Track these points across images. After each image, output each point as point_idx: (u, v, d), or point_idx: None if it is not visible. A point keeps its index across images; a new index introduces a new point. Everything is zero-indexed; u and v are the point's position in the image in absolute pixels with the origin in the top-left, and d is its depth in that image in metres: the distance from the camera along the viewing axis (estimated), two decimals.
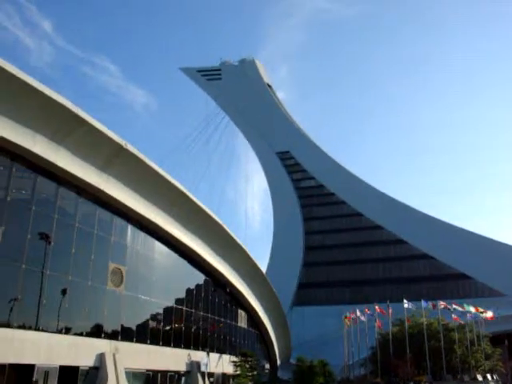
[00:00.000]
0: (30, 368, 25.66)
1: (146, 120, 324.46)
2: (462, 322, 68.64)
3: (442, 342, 62.86)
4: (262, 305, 63.65)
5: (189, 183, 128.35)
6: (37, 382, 25.47)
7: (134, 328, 36.52)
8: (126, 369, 32.68)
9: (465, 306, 68.22)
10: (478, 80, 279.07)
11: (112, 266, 34.04)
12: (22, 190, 28.28)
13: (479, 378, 61.82)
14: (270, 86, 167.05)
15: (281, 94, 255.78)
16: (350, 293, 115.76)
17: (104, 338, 32.38)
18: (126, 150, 32.31)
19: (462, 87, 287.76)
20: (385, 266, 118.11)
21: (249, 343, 63.30)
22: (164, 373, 39.23)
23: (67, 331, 29.15)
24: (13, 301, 25.22)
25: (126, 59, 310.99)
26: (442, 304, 67.14)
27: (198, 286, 49.18)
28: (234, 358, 52.44)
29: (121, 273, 34.72)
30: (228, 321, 56.46)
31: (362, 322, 69.80)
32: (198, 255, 45.75)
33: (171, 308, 42.75)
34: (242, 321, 61.71)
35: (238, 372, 50.20)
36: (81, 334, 30.46)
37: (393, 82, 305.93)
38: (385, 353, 65.03)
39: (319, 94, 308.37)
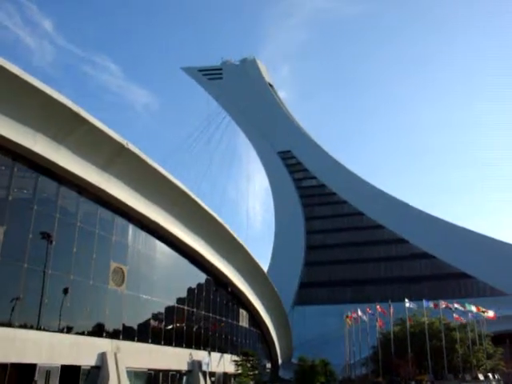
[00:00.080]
0: (31, 367, 25.70)
1: (147, 120, 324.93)
2: (464, 321, 68.54)
3: (444, 341, 62.81)
4: (263, 304, 63.67)
5: (190, 183, 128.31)
6: (36, 382, 25.43)
7: (135, 327, 36.56)
8: (127, 368, 32.70)
9: (466, 305, 68.17)
10: (479, 80, 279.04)
11: (113, 265, 34.09)
12: (24, 189, 28.33)
13: (481, 377, 61.71)
14: (271, 85, 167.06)
15: (282, 94, 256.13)
16: (351, 292, 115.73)
17: (105, 337, 32.42)
18: (128, 150, 32.34)
19: (463, 87, 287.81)
20: (386, 265, 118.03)
21: (250, 343, 63.32)
22: (165, 372, 39.27)
23: (69, 330, 29.18)
24: (15, 300, 25.26)
25: (127, 59, 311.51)
26: (443, 303, 67.09)
27: (199, 285, 49.21)
28: (235, 358, 52.47)
29: (122, 272, 34.75)
30: (229, 320, 56.47)
31: (364, 322, 69.81)
32: (200, 255, 45.77)
33: (173, 307, 42.78)
34: (244, 320, 61.72)
35: (240, 371, 50.20)
36: (82, 334, 30.49)
37: (394, 82, 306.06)
38: (386, 352, 65.01)
39: (320, 93, 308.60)
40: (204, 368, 45.16)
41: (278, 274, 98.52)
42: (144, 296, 37.65)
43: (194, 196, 41.91)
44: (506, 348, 75.62)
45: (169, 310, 42.01)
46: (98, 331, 32.06)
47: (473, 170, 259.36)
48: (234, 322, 58.37)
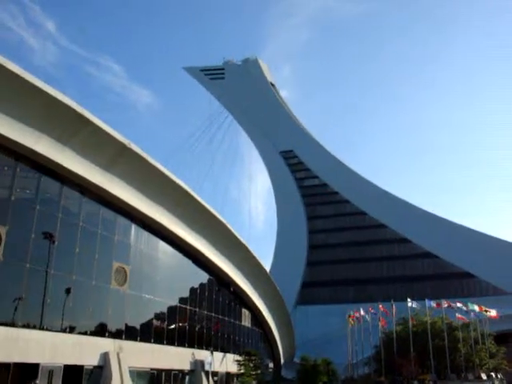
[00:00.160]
0: (34, 367, 25.75)
1: (149, 120, 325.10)
2: (467, 320, 68.44)
3: (446, 340, 62.70)
4: (265, 304, 63.65)
5: (192, 183, 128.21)
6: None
7: (138, 327, 36.60)
8: (130, 368, 32.74)
9: (469, 304, 68.03)
10: (481, 80, 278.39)
11: (116, 265, 34.13)
12: (26, 189, 28.39)
13: (483, 376, 61.59)
14: (273, 84, 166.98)
15: (284, 93, 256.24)
16: (353, 291, 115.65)
17: (108, 337, 32.46)
18: (130, 150, 32.37)
19: (465, 87, 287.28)
20: (388, 264, 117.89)
21: (253, 342, 63.34)
22: (168, 372, 39.30)
23: (71, 330, 29.24)
24: (17, 300, 25.32)
25: (129, 59, 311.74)
26: (445, 303, 67.00)
27: (201, 285, 49.23)
28: (237, 357, 52.50)
29: (125, 272, 34.78)
30: (232, 320, 56.47)
31: (366, 321, 69.79)
32: (202, 254, 45.79)
33: (175, 307, 42.82)
34: (246, 320, 61.74)
35: (242, 371, 50.25)
36: (85, 333, 30.55)
37: (396, 82, 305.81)
38: (389, 352, 64.93)
39: (323, 92, 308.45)
40: (206, 368, 45.16)
41: (280, 273, 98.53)
42: (146, 296, 37.68)
43: (196, 196, 41.92)
44: (508, 347, 75.37)
45: (171, 309, 42.04)
46: (101, 331, 32.11)
47: (477, 169, 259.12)
48: (237, 322, 58.38)
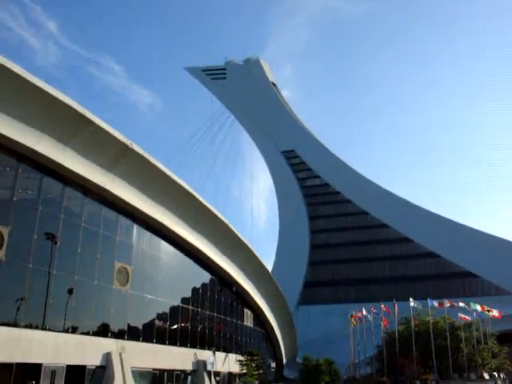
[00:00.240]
0: (37, 367, 25.80)
1: (150, 120, 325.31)
2: (469, 319, 68.34)
3: (449, 340, 62.59)
4: (267, 304, 63.68)
5: (194, 183, 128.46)
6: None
7: (140, 327, 36.63)
8: (132, 368, 32.79)
9: (471, 304, 67.96)
10: (482, 80, 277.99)
11: (118, 265, 34.16)
12: (29, 190, 28.44)
13: (486, 376, 61.47)
14: (274, 84, 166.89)
15: (285, 93, 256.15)
16: (355, 291, 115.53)
17: (110, 337, 32.50)
18: (132, 150, 32.40)
19: (466, 87, 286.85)
20: (390, 264, 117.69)
21: (255, 342, 63.35)
22: (170, 372, 39.35)
23: (74, 330, 29.29)
24: (20, 300, 25.37)
25: (130, 59, 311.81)
26: (448, 302, 66.90)
27: (203, 285, 49.26)
28: (240, 357, 52.52)
29: (127, 272, 34.82)
30: (234, 320, 56.49)
31: (368, 321, 69.73)
32: (204, 254, 45.83)
33: (177, 307, 42.85)
34: (248, 320, 61.75)
35: (244, 371, 50.28)
36: (87, 334, 30.58)
37: (397, 81, 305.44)
38: (391, 351, 64.89)
39: (324, 92, 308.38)
40: (209, 368, 45.24)
41: (282, 273, 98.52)
42: (149, 296, 37.71)
43: (198, 196, 41.94)
44: (511, 347, 75.17)
45: (173, 309, 42.06)
46: (103, 331, 32.15)
47: (481, 168, 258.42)
48: (239, 322, 58.40)
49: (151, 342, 37.37)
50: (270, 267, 75.28)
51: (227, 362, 51.41)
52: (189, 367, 42.91)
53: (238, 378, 52.62)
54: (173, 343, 40.70)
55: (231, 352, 53.55)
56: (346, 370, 70.50)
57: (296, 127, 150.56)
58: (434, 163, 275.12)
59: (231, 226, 48.67)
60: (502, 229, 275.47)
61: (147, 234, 38.58)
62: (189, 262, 45.44)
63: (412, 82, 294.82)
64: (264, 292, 61.25)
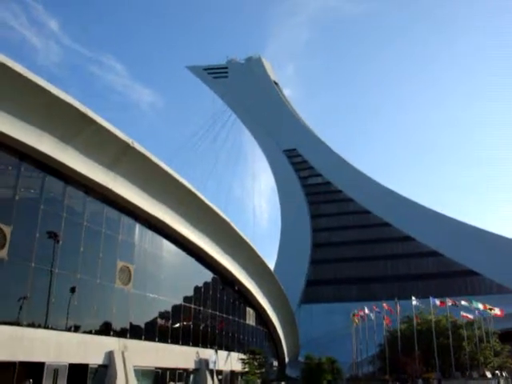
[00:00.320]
0: (39, 366, 25.83)
1: (152, 119, 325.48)
2: (471, 317, 68.23)
3: (451, 339, 62.51)
4: (270, 302, 63.68)
5: (196, 181, 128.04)
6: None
7: (142, 326, 36.66)
8: (134, 367, 32.81)
9: (473, 302, 67.86)
10: (482, 80, 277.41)
11: (120, 264, 34.18)
12: (31, 189, 28.46)
13: (488, 375, 61.35)
14: (276, 83, 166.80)
15: (287, 92, 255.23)
16: (357, 290, 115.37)
17: (113, 335, 32.53)
18: (133, 149, 32.40)
19: (467, 86, 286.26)
20: (392, 263, 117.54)
21: (257, 341, 63.37)
22: (173, 370, 39.36)
23: (76, 329, 29.33)
24: (22, 299, 25.39)
25: (131, 58, 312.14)
26: (450, 301, 66.81)
27: (206, 283, 49.27)
28: (242, 356, 52.53)
29: (129, 271, 34.84)
30: (236, 318, 56.51)
31: (370, 320, 69.65)
32: (206, 253, 45.83)
33: (179, 306, 42.87)
34: (251, 318, 61.76)
35: (247, 369, 50.31)
36: (90, 332, 30.62)
37: (398, 81, 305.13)
38: (393, 350, 64.83)
39: (325, 91, 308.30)
40: (211, 366, 45.26)
41: (284, 271, 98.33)
42: (151, 295, 37.73)
43: (200, 194, 41.94)
44: None
45: (176, 308, 42.10)
46: (106, 330, 32.18)
47: (483, 167, 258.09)
48: (241, 321, 58.41)
49: (153, 340, 37.40)
50: (272, 266, 75.33)
51: (229, 361, 51.44)
52: (191, 366, 42.95)
53: (240, 377, 52.64)
54: (175, 342, 40.72)
55: (233, 351, 53.57)
56: (348, 368, 70.49)
57: (298, 126, 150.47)
58: (434, 162, 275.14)
59: (233, 224, 48.65)
60: (502, 229, 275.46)
61: (149, 233, 38.59)
62: (191, 261, 45.45)
63: (412, 81, 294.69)
64: (266, 291, 61.24)
